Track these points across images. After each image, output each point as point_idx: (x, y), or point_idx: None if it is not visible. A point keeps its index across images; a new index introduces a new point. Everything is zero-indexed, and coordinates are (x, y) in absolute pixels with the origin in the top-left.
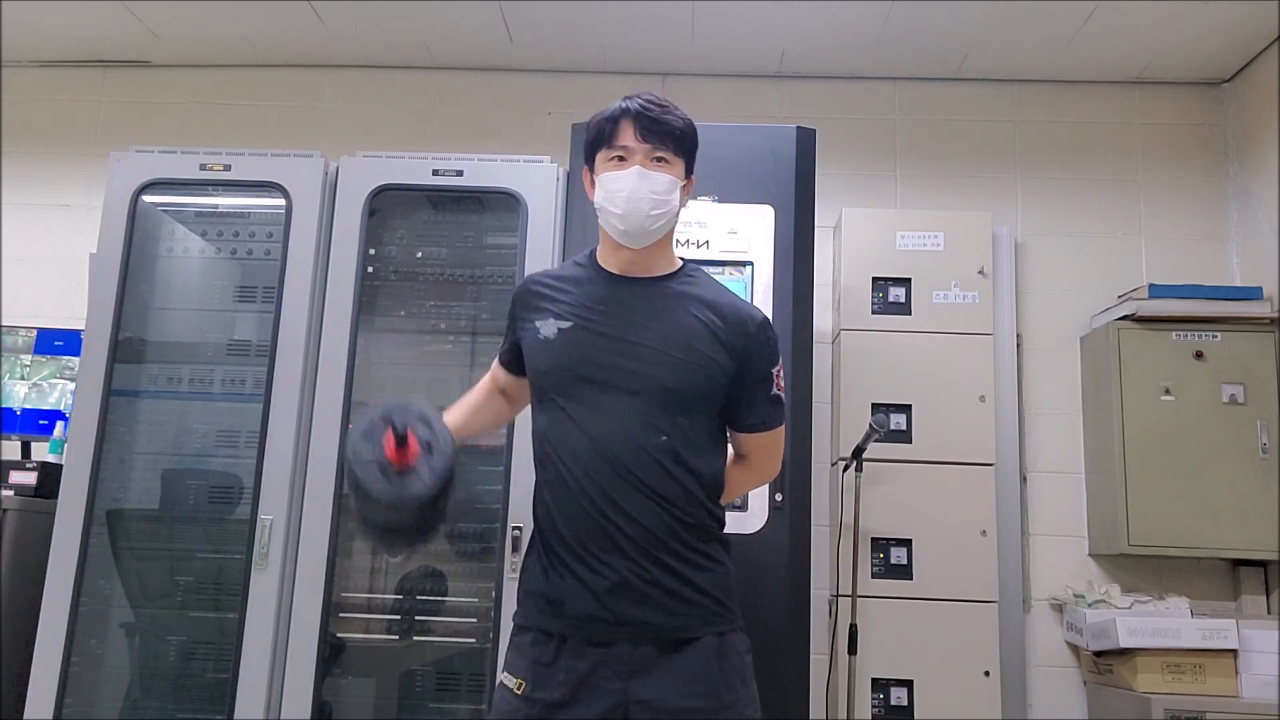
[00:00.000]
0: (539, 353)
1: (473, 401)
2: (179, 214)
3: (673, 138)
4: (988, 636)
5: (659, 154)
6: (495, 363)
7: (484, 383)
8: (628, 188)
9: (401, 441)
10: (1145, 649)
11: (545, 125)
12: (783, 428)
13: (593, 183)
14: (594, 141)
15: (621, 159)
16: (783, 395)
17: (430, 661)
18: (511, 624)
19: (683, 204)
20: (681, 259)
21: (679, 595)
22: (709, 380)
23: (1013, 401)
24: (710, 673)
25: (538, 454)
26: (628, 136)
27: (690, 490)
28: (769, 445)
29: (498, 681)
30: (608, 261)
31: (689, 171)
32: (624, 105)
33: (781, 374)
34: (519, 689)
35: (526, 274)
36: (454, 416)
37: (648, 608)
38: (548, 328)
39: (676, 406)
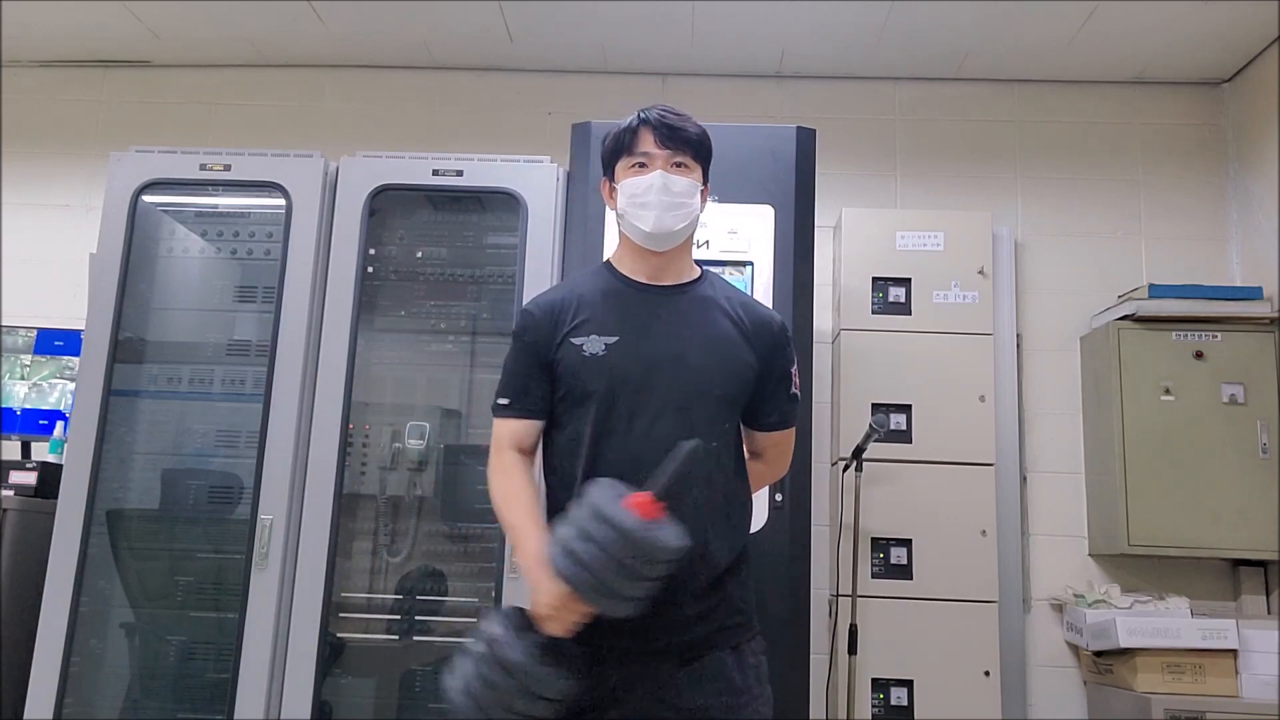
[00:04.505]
0: (586, 371)
1: (528, 493)
2: (179, 214)
3: (690, 144)
4: (988, 636)
5: (678, 159)
6: (512, 427)
7: (515, 465)
8: (651, 192)
9: (656, 500)
10: (1145, 649)
11: (545, 125)
12: (795, 427)
13: (612, 192)
14: (613, 151)
15: (643, 165)
16: (799, 394)
17: (430, 661)
18: None
19: (701, 209)
20: (697, 264)
21: (709, 606)
22: (745, 383)
23: (1013, 401)
24: (731, 671)
25: (562, 466)
26: (648, 144)
27: (734, 494)
28: (784, 442)
29: None
30: (634, 271)
31: (705, 178)
32: (642, 115)
33: (798, 373)
34: None
35: (526, 279)
36: (533, 515)
37: (671, 626)
38: (592, 345)
39: (723, 412)
